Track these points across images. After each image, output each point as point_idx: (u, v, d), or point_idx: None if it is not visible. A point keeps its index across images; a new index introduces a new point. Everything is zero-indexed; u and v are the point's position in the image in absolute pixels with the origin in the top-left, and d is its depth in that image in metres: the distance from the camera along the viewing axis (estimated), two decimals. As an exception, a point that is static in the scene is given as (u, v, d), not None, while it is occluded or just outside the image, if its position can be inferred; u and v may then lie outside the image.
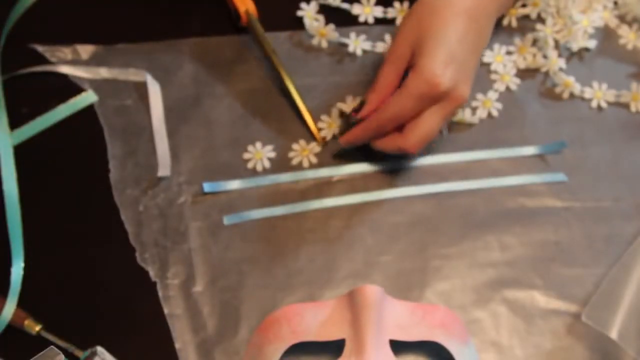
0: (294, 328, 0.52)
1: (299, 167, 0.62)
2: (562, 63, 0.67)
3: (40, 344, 0.54)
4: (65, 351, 0.53)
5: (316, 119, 0.64)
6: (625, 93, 0.66)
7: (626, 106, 0.66)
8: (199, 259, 0.58)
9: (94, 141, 0.63)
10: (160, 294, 0.57)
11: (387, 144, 0.59)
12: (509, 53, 0.68)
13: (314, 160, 0.63)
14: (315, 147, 0.63)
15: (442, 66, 0.56)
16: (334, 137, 0.63)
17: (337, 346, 0.51)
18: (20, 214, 0.59)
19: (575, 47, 0.68)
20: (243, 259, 0.59)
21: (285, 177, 0.62)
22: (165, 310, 0.56)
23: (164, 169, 0.61)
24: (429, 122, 0.57)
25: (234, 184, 0.61)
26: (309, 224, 0.60)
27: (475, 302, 0.58)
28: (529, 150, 0.64)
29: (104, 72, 0.65)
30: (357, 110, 0.60)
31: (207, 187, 0.60)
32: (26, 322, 0.54)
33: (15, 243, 0.57)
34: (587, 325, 0.56)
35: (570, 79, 0.66)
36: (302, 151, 0.63)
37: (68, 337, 0.54)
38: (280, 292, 0.57)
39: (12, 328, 0.55)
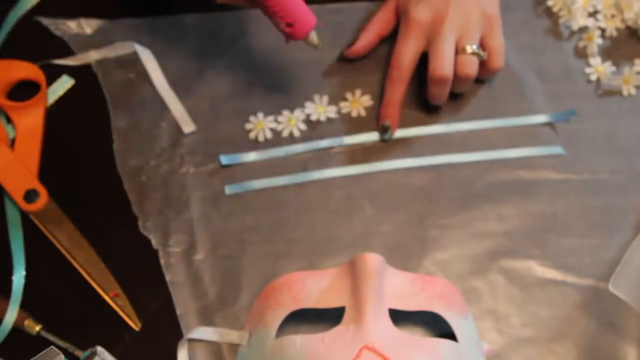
0: (295, 295, 0.53)
1: (290, 137, 0.63)
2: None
3: (40, 344, 0.54)
4: (65, 351, 0.53)
5: (317, 94, 0.65)
6: (617, 77, 0.67)
7: (624, 82, 0.67)
8: (200, 227, 0.59)
9: (95, 113, 0.64)
10: (162, 261, 0.57)
11: (429, 89, 0.63)
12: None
13: (303, 127, 0.63)
14: (300, 114, 0.64)
15: (413, 3, 0.62)
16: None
17: (337, 314, 0.51)
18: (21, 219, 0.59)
19: (575, 26, 0.69)
20: (244, 228, 0.59)
21: (298, 148, 0.62)
22: (167, 278, 0.57)
23: (187, 125, 0.63)
24: (436, 46, 0.61)
25: (251, 156, 0.62)
26: (309, 194, 0.61)
27: (473, 271, 0.58)
28: (540, 118, 0.65)
29: (93, 55, 0.66)
30: (349, 46, 0.65)
31: (224, 159, 0.61)
32: (26, 322, 0.54)
33: (16, 252, 0.57)
34: (583, 294, 0.57)
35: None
36: (289, 121, 0.64)
37: (68, 337, 0.54)
38: (280, 260, 0.58)
39: (12, 328, 0.55)
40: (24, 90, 0.63)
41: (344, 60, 0.66)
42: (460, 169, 0.62)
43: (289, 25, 0.57)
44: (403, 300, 0.52)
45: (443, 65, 0.60)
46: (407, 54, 0.62)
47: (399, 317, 0.52)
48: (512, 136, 0.64)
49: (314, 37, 0.59)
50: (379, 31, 0.66)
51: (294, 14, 0.57)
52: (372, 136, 0.63)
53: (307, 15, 0.58)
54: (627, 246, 0.57)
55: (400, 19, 0.64)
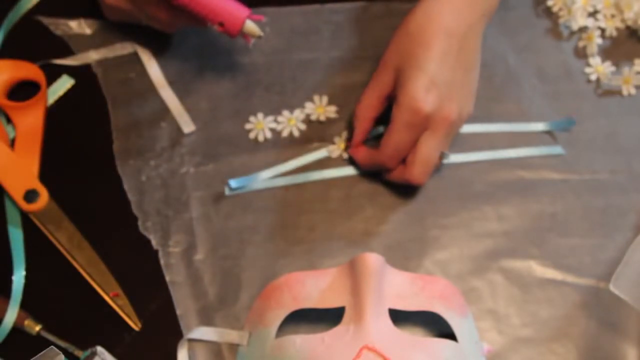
0: (295, 295, 0.53)
1: (290, 137, 0.63)
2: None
3: (40, 344, 0.54)
4: (65, 351, 0.53)
5: (317, 94, 0.65)
6: (617, 77, 0.67)
7: (624, 82, 0.67)
8: (200, 227, 0.59)
9: (95, 113, 0.64)
10: (162, 262, 0.58)
11: (395, 178, 0.59)
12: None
13: (303, 127, 0.63)
14: (299, 114, 0.64)
15: (422, 92, 0.55)
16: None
17: (337, 314, 0.51)
18: (21, 219, 0.59)
19: (574, 26, 0.69)
20: (244, 228, 0.59)
21: (303, 159, 0.62)
22: (167, 278, 0.57)
23: (187, 125, 0.63)
24: (425, 149, 0.57)
25: (262, 175, 0.61)
26: (309, 195, 0.61)
27: (473, 271, 0.58)
28: (538, 126, 0.65)
29: (93, 55, 0.66)
30: (348, 141, 0.62)
31: (233, 183, 0.60)
32: (26, 322, 0.54)
33: (16, 253, 0.57)
34: (583, 294, 0.57)
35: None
36: (289, 121, 0.64)
37: (68, 337, 0.54)
38: (280, 260, 0.58)
39: (12, 328, 0.55)
40: (24, 90, 0.63)
41: (344, 60, 0.66)
42: (460, 168, 0.62)
43: (221, 25, 0.57)
44: (403, 300, 0.52)
45: (426, 172, 0.57)
46: (400, 147, 0.57)
47: (399, 317, 0.52)
48: (512, 136, 0.64)
49: (251, 28, 0.58)
50: (374, 115, 0.60)
51: (221, 13, 0.57)
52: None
53: (235, 11, 0.57)
54: (627, 246, 0.57)
55: (397, 93, 0.57)
